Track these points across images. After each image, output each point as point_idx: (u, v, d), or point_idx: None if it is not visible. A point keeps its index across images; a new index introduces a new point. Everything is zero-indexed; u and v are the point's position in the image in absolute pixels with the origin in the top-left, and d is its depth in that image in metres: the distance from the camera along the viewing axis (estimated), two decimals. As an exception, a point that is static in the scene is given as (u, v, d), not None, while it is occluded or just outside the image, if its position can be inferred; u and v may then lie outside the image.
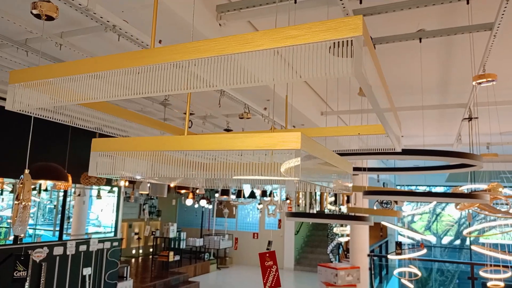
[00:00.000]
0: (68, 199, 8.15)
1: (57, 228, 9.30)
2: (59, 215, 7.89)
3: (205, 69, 1.14)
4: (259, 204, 12.01)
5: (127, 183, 8.34)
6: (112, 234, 8.42)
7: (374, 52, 1.10)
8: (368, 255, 9.08)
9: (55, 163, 4.44)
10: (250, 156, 1.38)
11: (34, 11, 2.03)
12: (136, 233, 13.60)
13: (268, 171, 1.29)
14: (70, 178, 4.52)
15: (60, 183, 4.46)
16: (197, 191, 9.50)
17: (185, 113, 5.34)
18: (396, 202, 7.77)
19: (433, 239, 20.52)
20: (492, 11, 2.92)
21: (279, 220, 14.20)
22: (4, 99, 5.27)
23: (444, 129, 7.80)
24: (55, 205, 11.55)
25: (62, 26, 3.15)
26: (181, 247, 12.76)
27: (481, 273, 6.81)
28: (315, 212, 10.46)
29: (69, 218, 9.52)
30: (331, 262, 12.35)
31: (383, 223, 8.16)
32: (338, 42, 0.94)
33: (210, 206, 13.91)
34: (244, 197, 10.90)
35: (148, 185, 8.14)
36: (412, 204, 16.52)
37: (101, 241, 7.42)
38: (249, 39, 1.03)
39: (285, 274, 13.28)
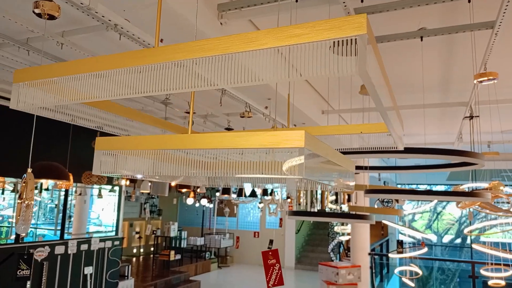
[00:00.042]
0: (69, 198, 8.16)
1: (59, 227, 9.31)
2: (61, 214, 7.90)
3: (208, 68, 1.14)
4: (260, 203, 12.01)
5: (128, 182, 8.35)
6: (113, 233, 8.43)
7: (378, 50, 1.10)
8: (369, 254, 9.08)
9: (56, 162, 4.45)
10: (251, 155, 1.39)
11: (36, 10, 2.03)
12: (137, 232, 13.62)
13: (270, 169, 1.29)
14: (71, 177, 4.53)
15: (61, 182, 4.47)
16: (198, 190, 9.51)
17: (186, 112, 5.36)
18: (397, 200, 7.78)
19: (434, 238, 20.53)
20: (494, 9, 2.92)
21: (280, 219, 14.21)
22: (5, 98, 5.28)
23: (445, 127, 7.79)
24: (56, 204, 11.56)
25: (64, 25, 3.15)
26: (182, 246, 12.78)
27: (482, 272, 6.81)
28: (316, 210, 10.46)
29: (70, 217, 9.53)
30: (332, 260, 12.35)
31: (384, 221, 8.17)
32: (342, 40, 0.94)
33: (211, 205, 13.92)
34: (245, 196, 10.91)
35: (149, 184, 8.15)
36: (413, 203, 16.52)
37: (103, 240, 7.43)
38: (253, 37, 1.03)
39: (286, 273, 13.29)
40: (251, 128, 6.55)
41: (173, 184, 8.89)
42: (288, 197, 10.85)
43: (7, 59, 3.80)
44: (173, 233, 12.20)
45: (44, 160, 4.27)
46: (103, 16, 2.62)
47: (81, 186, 8.32)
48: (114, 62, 1.21)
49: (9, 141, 5.75)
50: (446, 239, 20.79)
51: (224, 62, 1.12)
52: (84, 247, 6.98)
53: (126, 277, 8.35)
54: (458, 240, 20.46)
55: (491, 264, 6.63)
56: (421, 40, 3.37)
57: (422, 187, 16.54)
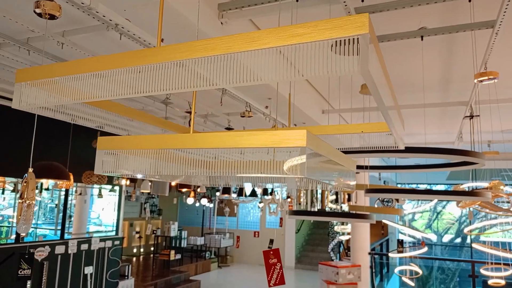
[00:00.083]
0: (69, 198, 8.16)
1: (59, 227, 9.32)
2: (61, 214, 7.90)
3: (210, 67, 1.14)
4: (260, 202, 12.02)
5: (128, 182, 8.35)
6: (113, 233, 8.43)
7: (380, 50, 1.10)
8: (369, 253, 9.09)
9: (56, 162, 4.45)
10: (251, 154, 1.39)
11: (37, 10, 2.03)
12: (137, 232, 13.62)
13: (271, 169, 1.29)
14: (71, 177, 4.53)
15: (62, 182, 4.47)
16: (198, 189, 9.51)
17: (186, 112, 5.36)
18: (397, 200, 7.78)
19: (433, 237, 20.54)
20: (494, 8, 2.92)
21: (281, 219, 14.22)
22: (5, 98, 5.28)
23: (445, 127, 7.79)
24: (56, 204, 11.56)
25: (64, 25, 3.15)
26: (182, 245, 12.78)
27: (482, 271, 6.82)
28: (316, 210, 10.47)
29: (70, 217, 9.53)
30: (332, 260, 12.36)
31: (384, 221, 8.17)
32: (344, 40, 0.95)
33: (211, 205, 13.92)
34: (245, 195, 10.91)
35: (150, 183, 8.15)
36: (413, 202, 16.54)
37: (103, 240, 7.44)
38: (255, 37, 1.03)
39: (286, 272, 13.24)
40: (251, 127, 6.55)
41: (173, 183, 8.90)
42: (288, 197, 10.86)
43: (7, 59, 3.80)
44: (173, 233, 12.20)
45: (44, 160, 4.27)
46: (103, 16, 2.62)
47: (81, 185, 8.32)
48: (117, 61, 1.21)
49: (9, 141, 5.75)
50: (446, 238, 20.80)
51: (226, 61, 1.12)
52: (84, 246, 6.98)
53: (126, 277, 8.36)
54: (458, 240, 20.48)
55: (491, 263, 6.63)
56: (422, 39, 3.37)
57: (422, 187, 16.55)
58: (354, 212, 6.16)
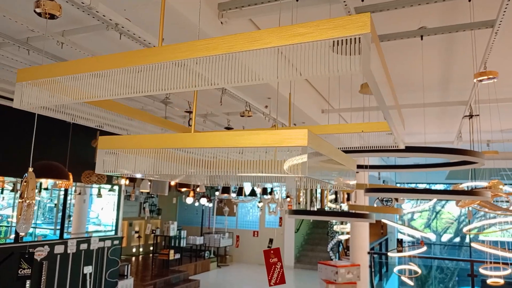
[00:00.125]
0: (68, 197, 8.16)
1: (58, 227, 9.31)
2: (60, 214, 7.90)
3: (211, 67, 1.14)
4: (259, 202, 12.02)
5: (127, 182, 8.35)
6: (112, 233, 8.43)
7: (381, 49, 1.10)
8: (368, 253, 9.10)
9: (56, 162, 4.45)
10: (250, 154, 1.39)
11: (38, 10, 2.03)
12: (136, 232, 13.62)
13: (271, 168, 1.30)
14: (71, 177, 4.52)
15: (61, 182, 4.46)
16: (198, 189, 9.51)
17: (186, 111, 5.36)
18: (396, 199, 7.79)
19: (432, 237, 20.57)
20: (494, 8, 2.92)
21: (280, 218, 14.22)
22: (4, 97, 5.27)
23: (445, 126, 7.80)
24: (55, 204, 11.55)
25: (64, 24, 3.15)
26: (181, 245, 12.78)
27: (481, 270, 6.83)
28: (315, 209, 10.47)
29: (69, 216, 9.52)
30: (331, 260, 12.37)
31: (383, 220, 8.18)
32: (346, 39, 0.95)
33: (210, 205, 13.92)
34: (244, 195, 10.92)
35: (149, 183, 8.14)
36: (412, 202, 16.56)
37: (102, 239, 7.43)
38: (257, 36, 1.03)
39: (285, 272, 13.29)
40: (251, 127, 6.55)
41: (172, 183, 8.90)
42: (287, 196, 10.86)
43: (7, 59, 3.79)
44: (172, 233, 12.20)
45: (43, 160, 4.27)
46: (104, 16, 2.62)
47: (81, 185, 8.32)
48: (118, 61, 1.21)
49: (9, 140, 5.75)
50: (445, 238, 20.83)
51: (227, 61, 1.12)
52: (83, 246, 6.98)
53: (125, 277, 8.36)
54: (457, 239, 20.51)
55: (490, 262, 6.64)
56: (421, 39, 3.37)
57: (422, 186, 16.57)
58: (353, 211, 6.16)
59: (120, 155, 1.42)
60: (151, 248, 13.25)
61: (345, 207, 10.05)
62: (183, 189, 9.78)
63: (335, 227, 11.42)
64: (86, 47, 3.57)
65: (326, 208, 9.72)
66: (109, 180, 7.72)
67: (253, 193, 11.03)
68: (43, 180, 4.44)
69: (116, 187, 8.75)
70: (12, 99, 5.28)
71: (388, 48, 4.01)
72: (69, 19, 3.03)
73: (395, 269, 8.30)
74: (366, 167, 3.70)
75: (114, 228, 8.50)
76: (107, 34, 3.21)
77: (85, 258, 7.00)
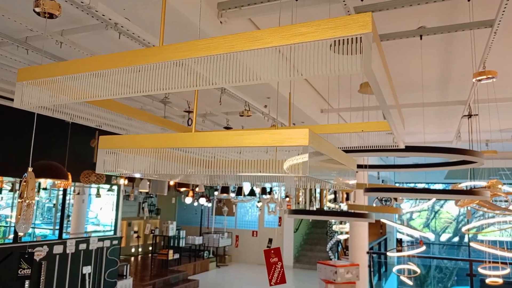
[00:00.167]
0: (67, 197, 8.15)
1: (57, 227, 9.29)
2: (59, 214, 7.89)
3: (212, 67, 1.14)
4: (258, 202, 12.02)
5: (126, 182, 8.34)
6: (111, 233, 8.42)
7: (382, 48, 1.10)
8: (367, 253, 9.10)
9: (55, 162, 4.44)
10: (249, 153, 1.39)
11: (37, 9, 2.03)
12: (135, 232, 13.61)
13: (271, 168, 1.30)
14: (70, 177, 4.52)
15: (60, 182, 4.46)
16: (197, 189, 9.51)
17: (185, 111, 5.35)
18: (395, 199, 7.80)
19: (431, 236, 20.59)
20: (493, 8, 2.93)
21: (280, 218, 14.23)
22: (3, 97, 5.26)
23: (445, 126, 7.81)
24: (54, 204, 11.54)
25: (63, 24, 3.15)
26: (180, 245, 12.77)
27: (480, 270, 6.84)
28: (314, 209, 10.48)
29: (68, 216, 9.51)
30: (330, 259, 12.37)
31: (382, 220, 8.19)
32: (347, 39, 0.95)
33: (209, 204, 13.91)
34: (244, 195, 10.91)
35: (148, 183, 8.14)
36: (411, 201, 16.58)
37: (101, 239, 7.43)
38: (258, 36, 1.03)
39: (284, 271, 13.29)
40: (250, 127, 6.55)
41: (171, 183, 8.89)
42: (286, 196, 10.86)
43: (5, 58, 3.78)
44: (171, 233, 12.19)
45: (42, 159, 4.26)
46: (103, 15, 2.61)
47: (79, 185, 8.31)
48: (120, 60, 1.21)
49: (7, 140, 5.74)
50: (444, 237, 20.86)
51: (228, 61, 1.12)
52: (82, 246, 6.97)
53: (124, 277, 8.35)
54: (456, 239, 20.54)
55: (489, 262, 6.65)
56: (421, 38, 3.37)
57: (420, 186, 16.59)
58: (353, 211, 6.16)
59: (120, 155, 1.42)
60: (150, 248, 13.25)
61: (344, 206, 10.06)
62: (182, 189, 9.77)
63: (334, 227, 11.43)
64: (85, 46, 3.56)
65: (325, 208, 9.73)
66: (108, 180, 7.72)
67: (252, 193, 11.03)
68: (41, 180, 4.43)
69: (115, 187, 8.74)
70: (10, 99, 5.27)
71: (387, 47, 4.01)
72: (68, 18, 3.03)
73: (394, 269, 8.31)
74: (365, 166, 3.70)
75: (113, 228, 8.49)
76: (106, 34, 3.21)
77: (84, 258, 6.99)
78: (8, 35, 3.35)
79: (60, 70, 1.31)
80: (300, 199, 10.31)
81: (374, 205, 8.31)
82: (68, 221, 9.45)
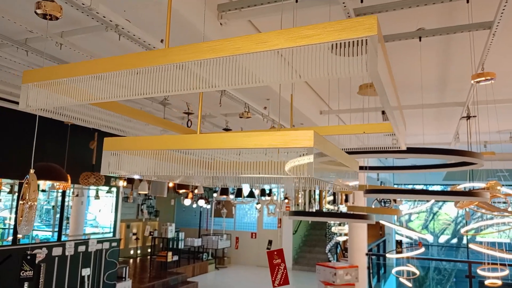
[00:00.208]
0: (66, 199, 8.13)
1: (56, 229, 9.27)
2: (58, 216, 7.87)
3: (215, 69, 1.14)
4: (257, 203, 12.02)
5: (125, 183, 8.33)
6: (110, 235, 8.40)
7: (386, 50, 1.11)
8: (366, 254, 9.11)
9: (54, 163, 4.43)
10: (249, 155, 1.40)
11: (38, 11, 2.03)
12: (134, 234, 13.58)
13: (272, 169, 1.30)
14: (69, 179, 4.51)
15: (59, 184, 4.45)
16: (196, 191, 9.50)
17: (184, 112, 5.35)
18: (395, 200, 7.80)
19: (430, 238, 20.61)
20: (492, 9, 2.94)
21: (279, 219, 14.22)
22: (3, 99, 5.25)
23: (443, 127, 7.83)
24: (53, 206, 11.50)
25: (63, 25, 3.14)
26: (179, 247, 12.74)
27: (479, 271, 6.84)
28: (314, 211, 10.48)
29: (67, 218, 9.49)
30: (330, 261, 12.37)
31: (381, 222, 8.20)
32: (353, 41, 0.95)
33: (208, 206, 13.89)
34: (243, 196, 10.91)
35: (148, 185, 8.13)
36: (410, 203, 16.59)
37: (100, 241, 7.41)
38: (265, 38, 1.03)
39: (283, 273, 13.26)
40: (249, 128, 6.56)
41: (171, 184, 8.89)
42: (285, 198, 10.87)
43: (5, 60, 3.78)
44: (170, 234, 12.17)
45: (41, 161, 4.26)
46: (104, 17, 2.62)
47: (78, 187, 8.29)
48: (126, 62, 1.21)
49: (6, 142, 5.72)
50: (442, 239, 20.88)
51: (231, 63, 1.12)
52: (81, 248, 6.96)
53: (123, 279, 8.33)
54: (454, 240, 20.56)
55: (488, 263, 6.65)
56: (420, 40, 3.39)
57: (419, 187, 16.60)
58: (352, 212, 6.17)
59: (123, 157, 1.42)
60: (149, 250, 13.22)
61: (343, 208, 10.07)
62: (181, 191, 9.77)
63: (333, 229, 11.43)
64: (84, 48, 3.56)
65: (324, 210, 9.74)
66: (107, 181, 7.70)
67: (251, 195, 11.03)
68: (41, 182, 4.43)
69: (114, 189, 8.72)
70: (9, 100, 5.26)
71: (387, 49, 4.02)
72: (68, 20, 3.03)
73: (393, 271, 8.31)
74: (366, 168, 3.71)
75: (112, 230, 8.47)
76: (106, 35, 3.21)
77: (83, 260, 6.97)
78: (7, 36, 3.35)
79: (66, 72, 1.31)
80: (300, 200, 10.32)
81: (373, 206, 8.32)
82: (67, 223, 9.42)
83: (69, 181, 4.49)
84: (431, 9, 3.23)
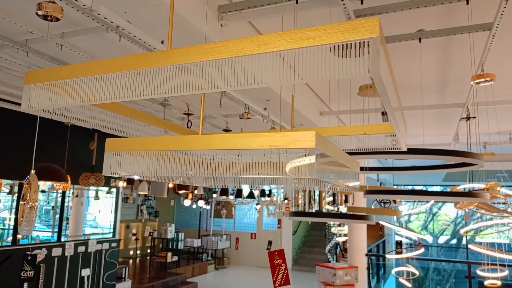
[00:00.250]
0: (65, 200, 8.13)
1: (55, 230, 9.26)
2: (57, 216, 7.87)
3: (215, 71, 1.15)
4: (257, 204, 12.02)
5: (125, 184, 8.33)
6: (110, 235, 8.40)
7: (387, 51, 1.11)
8: (366, 255, 9.11)
9: (54, 164, 4.43)
10: (248, 156, 1.40)
11: (39, 12, 2.03)
12: (134, 234, 13.57)
13: (272, 170, 1.30)
14: (69, 179, 4.51)
15: (59, 184, 4.45)
16: (196, 191, 9.50)
17: (184, 113, 5.36)
18: (394, 201, 7.81)
19: (429, 239, 20.62)
20: (491, 11, 2.95)
21: (279, 220, 14.22)
22: (3, 100, 5.25)
23: (443, 128, 7.84)
24: (53, 206, 11.50)
25: (63, 26, 3.15)
26: (179, 247, 12.74)
27: (478, 272, 6.84)
28: (313, 211, 10.48)
29: (67, 219, 9.48)
30: (329, 262, 12.37)
31: (381, 222, 8.20)
32: (355, 43, 0.96)
33: (208, 207, 13.89)
34: (243, 197, 10.91)
35: (147, 185, 8.13)
36: (409, 204, 16.60)
37: (100, 242, 7.41)
38: (267, 40, 1.04)
39: (283, 274, 13.25)
40: (249, 129, 6.56)
41: (170, 185, 8.89)
42: (285, 198, 10.87)
43: (5, 61, 3.78)
44: (170, 235, 12.16)
45: (41, 162, 4.26)
46: (105, 18, 2.62)
47: (78, 187, 8.29)
48: (129, 64, 1.21)
49: (6, 143, 5.72)
50: (442, 240, 20.89)
51: (232, 65, 1.12)
52: (81, 249, 6.96)
53: (123, 279, 8.33)
54: (454, 241, 20.57)
55: (487, 264, 6.66)
56: (420, 41, 3.40)
57: (419, 188, 16.61)
58: (352, 213, 6.17)
59: (124, 157, 1.43)
60: (149, 250, 13.21)
61: (343, 209, 10.07)
62: (181, 191, 9.77)
63: (333, 229, 11.43)
64: (85, 49, 3.57)
65: (324, 210, 9.74)
66: (107, 182, 7.70)
67: (251, 195, 11.03)
68: (41, 183, 4.43)
69: (113, 190, 8.72)
70: (9, 101, 5.26)
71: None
72: (68, 21, 3.03)
73: (393, 271, 8.32)
74: (366, 169, 3.71)
75: (111, 231, 8.47)
76: (106, 36, 3.21)
77: (82, 261, 6.97)
78: (8, 37, 3.35)
79: (68, 73, 1.32)
80: (299, 201, 10.32)
81: (373, 207, 8.33)
82: (67, 223, 9.41)
83: (69, 181, 4.49)
84: (431, 11, 3.24)
